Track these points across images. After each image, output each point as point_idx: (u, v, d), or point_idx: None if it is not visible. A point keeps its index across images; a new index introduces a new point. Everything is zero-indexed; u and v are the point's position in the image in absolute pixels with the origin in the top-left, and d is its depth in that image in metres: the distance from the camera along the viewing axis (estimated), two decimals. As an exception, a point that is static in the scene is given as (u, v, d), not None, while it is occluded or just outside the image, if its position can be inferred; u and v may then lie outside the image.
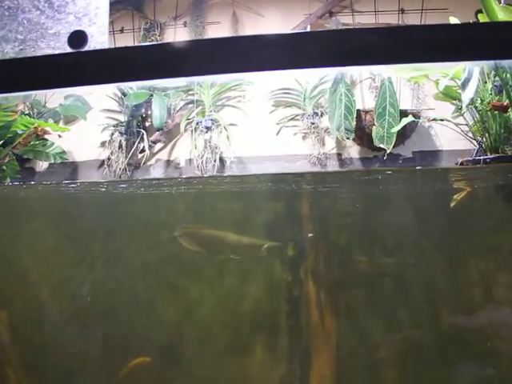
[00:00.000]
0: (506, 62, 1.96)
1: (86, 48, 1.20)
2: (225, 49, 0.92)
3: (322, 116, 4.37)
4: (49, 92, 3.62)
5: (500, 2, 2.85)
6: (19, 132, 3.44)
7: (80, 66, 0.98)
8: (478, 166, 2.78)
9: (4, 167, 3.38)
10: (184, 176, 4.54)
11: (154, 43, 4.13)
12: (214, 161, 4.29)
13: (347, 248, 3.38)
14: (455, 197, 3.00)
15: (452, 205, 2.98)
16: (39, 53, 1.22)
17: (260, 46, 0.91)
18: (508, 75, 2.59)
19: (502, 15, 2.43)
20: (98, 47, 1.19)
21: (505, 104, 2.63)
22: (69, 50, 1.21)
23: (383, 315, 3.13)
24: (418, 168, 4.13)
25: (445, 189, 3.44)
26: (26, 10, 1.24)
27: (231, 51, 0.91)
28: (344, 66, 0.95)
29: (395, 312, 3.12)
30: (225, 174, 4.32)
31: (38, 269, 3.48)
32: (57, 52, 1.21)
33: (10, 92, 1.08)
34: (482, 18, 2.53)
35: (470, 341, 2.93)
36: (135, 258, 3.52)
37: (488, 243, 3.10)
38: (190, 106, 4.57)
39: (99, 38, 1.21)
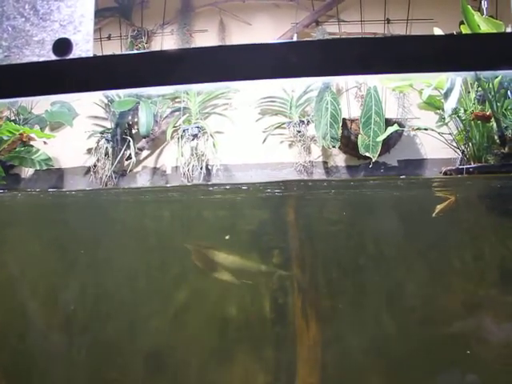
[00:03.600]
0: (487, 73, 1.99)
1: (71, 56, 1.20)
2: (212, 58, 0.93)
3: (308, 124, 4.40)
4: (34, 99, 3.61)
5: (483, 14, 2.90)
6: (4, 138, 3.43)
7: (65, 73, 0.99)
8: (461, 176, 2.81)
9: (-12, 174, 3.36)
10: (170, 184, 4.54)
11: (139, 51, 4.14)
12: (201, 168, 4.30)
13: (333, 256, 3.39)
14: (438, 206, 3.02)
15: (435, 214, 3.01)
16: (24, 60, 1.22)
17: (247, 55, 0.92)
18: (490, 85, 2.63)
19: (484, 26, 2.47)
20: (83, 55, 1.19)
21: (487, 114, 2.67)
22: (53, 57, 1.21)
23: (369, 323, 3.14)
24: (402, 177, 4.16)
25: (428, 198, 3.47)
26: (11, 17, 1.24)
27: (219, 60, 0.92)
28: (330, 75, 0.96)
29: (381, 320, 3.13)
30: (210, 183, 4.32)
31: (24, 276, 3.46)
32: (41, 59, 1.21)
33: (-6, 99, 1.08)
34: (464, 29, 2.56)
35: (454, 350, 2.95)
36: (123, 266, 3.51)
37: (471, 252, 3.13)
38: (177, 113, 4.57)
39: (84, 46, 1.21)
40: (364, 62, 0.89)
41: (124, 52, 4.64)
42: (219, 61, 0.92)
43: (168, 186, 4.53)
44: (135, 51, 4.63)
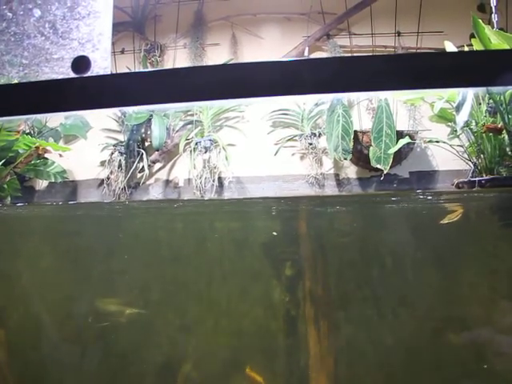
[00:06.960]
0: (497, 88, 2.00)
1: (89, 73, 1.23)
2: (226, 75, 0.95)
3: (319, 137, 4.42)
4: (52, 115, 3.66)
5: (493, 27, 2.91)
6: (20, 151, 3.48)
7: (83, 90, 1.01)
8: (474, 189, 2.81)
9: (5, 186, 3.40)
10: (184, 198, 4.57)
11: (155, 69, 4.19)
12: (213, 181, 4.32)
13: (345, 268, 3.39)
14: (450, 218, 3.02)
15: (447, 226, 3.00)
16: (43, 77, 1.25)
17: (259, 73, 0.94)
18: (501, 97, 2.63)
19: (495, 40, 2.48)
20: (101, 72, 1.22)
21: (499, 126, 2.67)
22: (72, 74, 1.24)
23: (382, 334, 3.13)
24: (417, 191, 4.15)
25: (441, 211, 3.46)
26: (32, 36, 1.28)
27: (232, 77, 0.94)
28: (343, 92, 0.98)
29: (395, 331, 3.12)
30: (225, 198, 4.34)
31: (37, 288, 3.49)
32: (60, 77, 1.24)
33: (14, 115, 1.11)
34: (475, 43, 2.57)
35: (468, 362, 2.93)
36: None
37: (484, 264, 3.11)
38: (189, 126, 4.61)
39: (102, 64, 1.24)
40: (377, 80, 0.91)
41: (142, 70, 4.70)
42: (233, 78, 0.94)
43: (184, 199, 4.56)
44: (151, 69, 4.69)
